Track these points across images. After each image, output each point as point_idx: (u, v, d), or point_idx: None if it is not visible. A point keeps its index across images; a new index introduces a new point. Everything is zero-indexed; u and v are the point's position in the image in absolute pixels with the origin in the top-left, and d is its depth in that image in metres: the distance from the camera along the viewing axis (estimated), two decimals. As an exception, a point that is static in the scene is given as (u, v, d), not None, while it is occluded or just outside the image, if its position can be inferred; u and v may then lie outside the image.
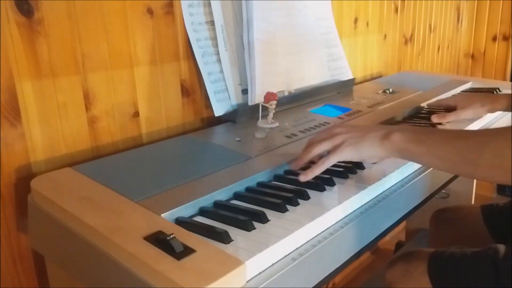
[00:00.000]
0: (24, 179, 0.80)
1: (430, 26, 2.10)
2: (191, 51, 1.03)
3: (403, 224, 1.84)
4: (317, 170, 0.73)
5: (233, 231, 0.61)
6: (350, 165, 0.81)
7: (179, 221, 0.64)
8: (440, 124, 1.06)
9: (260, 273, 0.56)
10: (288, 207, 0.68)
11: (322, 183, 0.74)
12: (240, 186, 0.74)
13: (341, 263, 0.68)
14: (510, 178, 0.61)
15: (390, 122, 1.06)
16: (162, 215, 0.63)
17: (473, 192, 1.61)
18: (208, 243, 0.57)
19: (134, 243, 0.56)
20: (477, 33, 2.45)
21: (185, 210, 0.66)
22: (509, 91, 1.40)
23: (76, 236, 0.63)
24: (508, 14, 2.33)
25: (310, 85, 1.24)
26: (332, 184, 0.75)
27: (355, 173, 0.80)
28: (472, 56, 2.49)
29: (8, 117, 0.78)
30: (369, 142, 0.73)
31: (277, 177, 0.79)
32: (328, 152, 0.75)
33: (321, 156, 0.76)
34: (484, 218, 1.11)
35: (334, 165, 0.81)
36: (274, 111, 1.02)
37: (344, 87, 1.36)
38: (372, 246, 1.71)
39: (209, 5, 1.04)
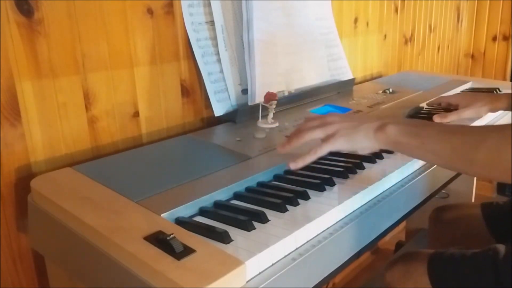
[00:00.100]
0: (24, 179, 0.80)
1: (430, 26, 2.10)
2: (191, 51, 1.03)
3: (403, 224, 1.84)
4: (309, 159, 0.71)
5: (233, 231, 0.61)
6: (350, 165, 0.81)
7: (179, 221, 0.64)
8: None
9: (260, 273, 0.56)
10: (288, 207, 0.68)
11: (322, 183, 0.74)
12: (240, 186, 0.74)
13: (341, 263, 0.68)
14: (506, 176, 0.60)
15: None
16: (162, 215, 0.63)
17: (473, 192, 1.62)
18: (208, 243, 0.57)
19: (134, 243, 0.56)
20: (477, 33, 2.45)
21: (185, 210, 0.66)
22: (509, 91, 1.40)
23: (76, 236, 0.63)
24: (508, 14, 2.33)
25: (310, 85, 1.24)
26: (332, 184, 0.75)
27: (355, 173, 0.80)
28: (472, 56, 2.49)
29: (8, 117, 0.78)
30: (363, 133, 0.71)
31: (277, 177, 0.79)
32: (321, 141, 0.73)
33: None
34: (484, 216, 1.10)
35: (334, 165, 0.81)
36: (274, 111, 1.02)
37: (344, 87, 1.36)
38: (372, 246, 1.71)
39: (209, 5, 1.04)
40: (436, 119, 1.06)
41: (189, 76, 1.06)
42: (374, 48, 1.71)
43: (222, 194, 0.72)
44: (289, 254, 0.60)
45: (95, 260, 0.61)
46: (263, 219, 0.64)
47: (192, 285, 0.49)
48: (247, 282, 0.54)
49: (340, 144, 0.72)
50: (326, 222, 0.66)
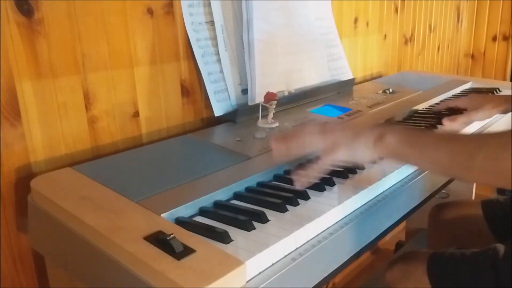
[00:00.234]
0: (24, 179, 0.80)
1: (430, 26, 2.10)
2: (191, 51, 1.03)
3: (403, 224, 1.84)
4: (313, 177, 0.72)
5: (233, 231, 0.61)
6: (350, 165, 0.81)
7: (179, 221, 0.64)
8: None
9: (260, 273, 0.56)
10: (288, 207, 0.68)
11: (322, 183, 0.74)
12: (240, 186, 0.74)
13: (341, 263, 0.68)
14: (504, 182, 0.61)
15: (390, 122, 1.06)
16: (162, 215, 0.63)
17: (473, 192, 1.61)
18: (208, 243, 0.57)
19: (134, 243, 0.56)
20: (477, 33, 2.45)
21: (185, 210, 0.66)
22: (509, 91, 1.40)
23: (76, 236, 0.63)
24: (508, 14, 2.33)
25: (310, 85, 1.24)
26: (332, 184, 0.75)
27: (355, 173, 0.80)
28: (472, 56, 2.49)
29: (8, 117, 0.78)
30: (363, 144, 0.71)
31: (277, 177, 0.79)
32: (320, 152, 0.73)
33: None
34: (484, 214, 1.10)
35: (334, 165, 0.81)
36: (274, 111, 1.02)
37: (344, 87, 1.36)
38: (372, 246, 1.71)
39: (209, 5, 1.04)
40: (446, 122, 1.05)
41: (189, 76, 1.06)
42: (374, 48, 1.71)
43: (222, 194, 0.72)
44: (289, 254, 0.60)
45: (95, 260, 0.61)
46: (263, 219, 0.64)
47: (192, 285, 0.49)
48: (247, 282, 0.54)
49: (340, 155, 0.72)
50: (326, 222, 0.66)
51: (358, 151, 0.71)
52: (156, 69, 0.99)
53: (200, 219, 0.66)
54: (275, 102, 1.00)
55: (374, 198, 0.76)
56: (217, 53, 1.06)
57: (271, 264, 0.57)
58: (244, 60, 1.09)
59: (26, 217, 0.77)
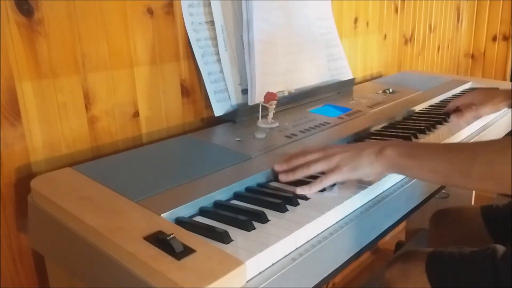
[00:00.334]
0: (24, 179, 0.80)
1: (430, 26, 2.10)
2: (191, 51, 1.03)
3: (403, 224, 1.84)
4: (315, 188, 0.73)
5: (233, 231, 0.61)
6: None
7: (179, 221, 0.64)
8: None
9: (260, 273, 0.56)
10: (288, 207, 0.68)
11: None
12: (240, 186, 0.74)
13: (341, 263, 0.68)
14: (502, 188, 0.63)
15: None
16: (162, 215, 0.63)
17: (473, 192, 1.61)
18: (208, 243, 0.57)
19: (134, 243, 0.56)
20: (477, 33, 2.45)
21: (185, 210, 0.66)
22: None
23: (76, 236, 0.63)
24: (508, 14, 2.33)
25: (310, 85, 1.24)
26: (332, 184, 0.75)
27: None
28: (472, 56, 2.49)
29: (8, 117, 0.78)
30: (366, 160, 0.73)
31: (277, 178, 0.79)
32: (325, 172, 0.75)
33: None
34: (484, 219, 1.11)
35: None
36: (274, 111, 1.02)
37: (344, 87, 1.36)
38: (372, 246, 1.71)
39: (209, 5, 1.04)
40: (454, 119, 1.07)
41: (189, 76, 1.06)
42: (374, 48, 1.71)
43: (222, 194, 0.72)
44: (289, 254, 0.60)
45: (95, 260, 0.61)
46: (263, 219, 0.64)
47: (192, 285, 0.49)
48: (247, 282, 0.54)
49: (345, 174, 0.74)
50: (326, 222, 0.66)
51: (361, 168, 0.73)
52: (156, 69, 0.99)
53: (200, 219, 0.66)
54: (275, 102, 1.00)
55: (374, 198, 0.76)
56: (217, 53, 1.06)
57: (271, 264, 0.57)
58: (244, 60, 1.09)
59: (26, 217, 0.77)
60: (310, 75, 1.25)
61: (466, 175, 0.66)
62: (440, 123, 1.09)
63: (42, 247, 0.77)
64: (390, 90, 1.37)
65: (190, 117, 1.08)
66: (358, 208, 0.72)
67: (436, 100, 1.32)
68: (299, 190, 0.72)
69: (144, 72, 0.97)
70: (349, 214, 0.70)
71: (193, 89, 1.07)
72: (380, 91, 1.36)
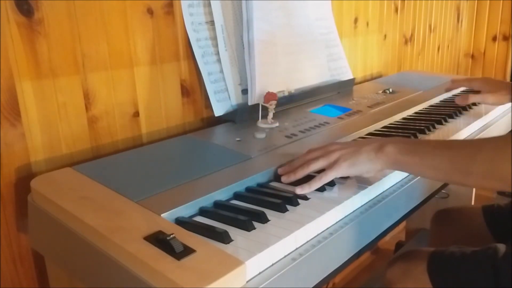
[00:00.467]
0: (24, 179, 0.80)
1: (430, 26, 2.10)
2: (191, 51, 1.03)
3: (403, 224, 1.84)
4: (315, 186, 0.73)
5: (233, 231, 0.61)
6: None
7: (179, 221, 0.64)
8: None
9: (260, 273, 0.56)
10: (288, 207, 0.68)
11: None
12: (240, 186, 0.74)
13: (341, 263, 0.68)
14: (503, 185, 0.63)
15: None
16: (162, 215, 0.63)
17: (473, 192, 1.61)
18: (208, 243, 0.57)
19: (134, 243, 0.56)
20: (477, 33, 2.45)
21: (185, 210, 0.66)
22: (509, 92, 1.40)
23: (76, 236, 0.63)
24: (508, 14, 2.33)
25: (310, 85, 1.24)
26: (332, 184, 0.75)
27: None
28: (472, 56, 2.49)
29: (8, 117, 0.78)
30: (365, 156, 0.73)
31: (277, 177, 0.79)
32: (325, 169, 0.75)
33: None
34: (486, 219, 1.11)
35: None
36: (274, 111, 1.02)
37: (344, 87, 1.36)
38: (372, 246, 1.71)
39: (209, 5, 1.04)
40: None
41: (189, 76, 1.06)
42: (374, 48, 1.71)
43: (222, 194, 0.72)
44: (289, 254, 0.60)
45: (95, 260, 0.61)
46: (263, 219, 0.64)
47: (192, 285, 0.49)
48: (247, 282, 0.54)
49: (344, 170, 0.74)
50: (326, 222, 0.66)
51: (361, 164, 0.74)
52: (156, 69, 0.99)
53: (200, 219, 0.66)
54: (275, 102, 1.00)
55: (374, 198, 0.76)
56: (217, 53, 1.06)
57: (271, 264, 0.57)
58: (244, 60, 1.09)
59: (26, 217, 0.77)
60: (310, 75, 1.25)
61: (466, 173, 0.66)
62: (440, 123, 1.09)
63: (42, 247, 0.77)
64: (390, 90, 1.37)
65: (190, 117, 1.08)
66: (358, 208, 0.72)
67: (436, 100, 1.32)
68: (299, 190, 0.72)
69: (144, 72, 0.97)
70: (349, 214, 0.70)
71: (193, 89, 1.07)
72: (380, 91, 1.36)
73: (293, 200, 0.69)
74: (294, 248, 0.61)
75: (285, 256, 0.59)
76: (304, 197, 0.71)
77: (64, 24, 0.83)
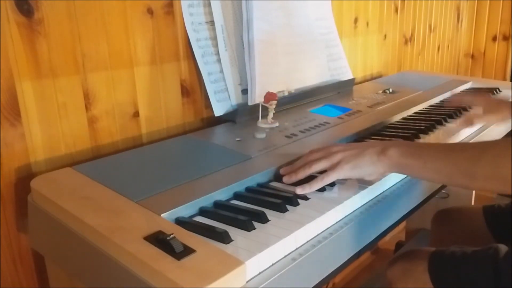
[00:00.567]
0: (24, 179, 0.80)
1: (430, 26, 2.10)
2: (191, 51, 1.03)
3: (403, 224, 1.84)
4: (315, 186, 0.73)
5: (233, 231, 0.61)
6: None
7: (179, 221, 0.64)
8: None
9: (260, 273, 0.56)
10: (288, 207, 0.68)
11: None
12: (240, 186, 0.74)
13: (341, 263, 0.68)
14: (507, 188, 0.62)
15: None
16: (162, 215, 0.63)
17: (473, 192, 1.61)
18: (208, 243, 0.57)
19: (134, 243, 0.56)
20: (477, 33, 2.45)
21: (185, 210, 0.66)
22: (509, 91, 1.40)
23: (76, 236, 0.63)
24: (508, 14, 2.33)
25: (310, 85, 1.24)
26: (332, 184, 0.75)
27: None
28: (472, 56, 2.49)
29: (8, 117, 0.78)
30: (368, 159, 0.73)
31: (277, 177, 0.79)
32: (327, 170, 0.75)
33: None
34: (486, 219, 1.11)
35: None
36: (274, 111, 1.02)
37: (344, 87, 1.35)
38: (372, 246, 1.71)
39: (209, 5, 1.04)
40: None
41: (189, 76, 1.06)
42: (374, 48, 1.71)
43: (222, 194, 0.72)
44: (289, 254, 0.60)
45: (95, 260, 0.61)
46: (263, 219, 0.64)
47: (192, 285, 0.49)
48: (247, 282, 0.54)
49: (346, 172, 0.74)
50: (326, 222, 0.66)
51: (363, 167, 0.74)
52: (156, 69, 0.99)
53: (200, 219, 0.66)
54: (275, 102, 1.00)
55: (374, 198, 0.76)
56: (217, 53, 1.06)
57: (271, 264, 0.57)
58: (244, 60, 1.09)
59: (26, 217, 0.77)
60: (310, 75, 1.25)
61: (469, 175, 0.66)
62: (440, 123, 1.09)
63: (42, 247, 0.77)
64: (390, 90, 1.37)
65: (190, 117, 1.08)
66: (358, 208, 0.72)
67: (436, 100, 1.32)
68: (299, 190, 0.72)
69: (144, 72, 0.97)
70: (349, 214, 0.70)
71: (193, 89, 1.07)
72: (380, 91, 1.36)
73: (293, 200, 0.69)
74: (294, 248, 0.61)
75: (285, 256, 0.59)
76: (304, 197, 0.71)
77: (64, 24, 0.83)
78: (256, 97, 1.07)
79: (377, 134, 1.02)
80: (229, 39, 1.07)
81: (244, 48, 1.08)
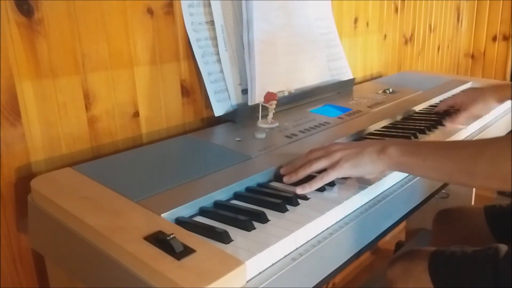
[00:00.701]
0: (24, 179, 0.80)
1: (430, 26, 2.10)
2: (191, 51, 1.03)
3: (403, 224, 1.84)
4: (315, 185, 0.73)
5: (233, 231, 0.61)
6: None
7: (179, 221, 0.64)
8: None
9: (260, 273, 0.56)
10: (288, 207, 0.68)
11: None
12: (240, 186, 0.74)
13: (341, 263, 0.68)
14: (506, 185, 0.62)
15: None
16: (162, 215, 0.63)
17: (473, 192, 1.61)
18: (208, 243, 0.57)
19: (134, 243, 0.56)
20: (477, 33, 2.45)
21: (185, 210, 0.66)
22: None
23: (76, 236, 0.63)
24: (508, 14, 2.33)
25: (310, 85, 1.24)
26: (332, 184, 0.75)
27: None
28: (472, 56, 2.49)
29: (8, 117, 0.78)
30: (367, 157, 0.74)
31: (277, 177, 0.79)
32: (327, 169, 0.75)
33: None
34: (487, 219, 1.11)
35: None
36: (274, 111, 1.02)
37: (344, 87, 1.36)
38: (372, 246, 1.71)
39: (209, 5, 1.04)
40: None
41: (189, 76, 1.06)
42: (374, 48, 1.71)
43: (222, 194, 0.72)
44: (289, 254, 0.60)
45: (95, 260, 0.61)
46: (263, 219, 0.64)
47: (192, 285, 0.49)
48: (247, 282, 0.54)
49: (345, 170, 0.74)
50: (326, 222, 0.66)
51: (363, 165, 0.74)
52: (156, 69, 0.99)
53: (200, 219, 0.66)
54: (275, 102, 1.00)
55: (374, 198, 0.76)
56: (217, 53, 1.06)
57: (271, 264, 0.57)
58: (244, 60, 1.09)
59: (26, 217, 0.77)
60: (310, 75, 1.25)
61: (469, 173, 0.66)
62: (440, 123, 1.09)
63: (42, 247, 0.77)
64: (390, 90, 1.37)
65: (190, 117, 1.08)
66: (358, 208, 0.72)
67: (436, 100, 1.32)
68: (299, 190, 0.72)
69: (144, 72, 0.97)
70: (349, 214, 0.70)
71: (193, 89, 1.07)
72: (380, 91, 1.36)
73: (293, 200, 0.69)
74: (294, 248, 0.61)
75: (285, 256, 0.59)
76: (304, 197, 0.71)
77: (64, 24, 0.83)
78: (256, 97, 1.07)
79: (377, 134, 1.02)
80: (229, 39, 1.07)
81: (244, 48, 1.08)
